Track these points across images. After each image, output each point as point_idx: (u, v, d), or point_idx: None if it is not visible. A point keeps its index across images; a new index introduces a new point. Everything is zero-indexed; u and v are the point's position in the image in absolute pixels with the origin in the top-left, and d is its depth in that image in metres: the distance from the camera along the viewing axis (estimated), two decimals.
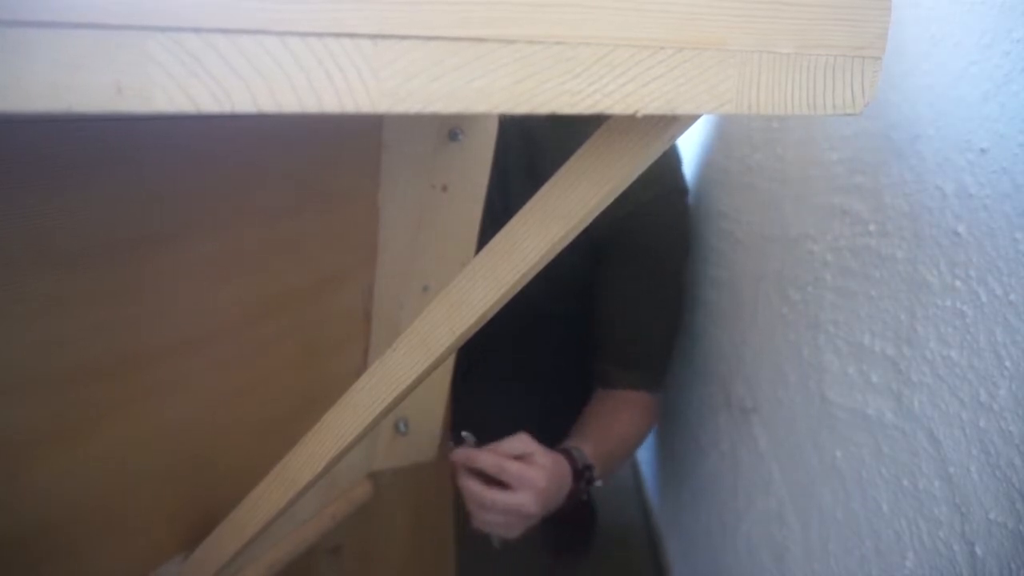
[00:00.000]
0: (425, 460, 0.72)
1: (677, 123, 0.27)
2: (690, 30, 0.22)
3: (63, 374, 0.38)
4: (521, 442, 0.68)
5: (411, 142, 0.55)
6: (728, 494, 0.88)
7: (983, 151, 0.43)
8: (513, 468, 0.65)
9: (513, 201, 0.32)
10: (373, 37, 0.19)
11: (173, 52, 0.17)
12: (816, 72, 0.25)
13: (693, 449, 1.04)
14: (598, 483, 0.75)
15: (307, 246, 0.51)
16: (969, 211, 0.44)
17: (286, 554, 0.59)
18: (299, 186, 0.48)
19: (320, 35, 0.19)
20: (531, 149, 0.88)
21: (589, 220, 0.30)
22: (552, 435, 0.83)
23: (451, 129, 0.55)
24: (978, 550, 0.42)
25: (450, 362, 0.70)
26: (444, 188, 0.58)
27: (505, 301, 0.32)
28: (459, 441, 0.71)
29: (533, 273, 0.31)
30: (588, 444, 0.77)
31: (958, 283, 0.45)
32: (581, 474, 0.73)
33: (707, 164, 1.07)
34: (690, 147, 1.16)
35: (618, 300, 0.90)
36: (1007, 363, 0.40)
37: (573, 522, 1.22)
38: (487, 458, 0.66)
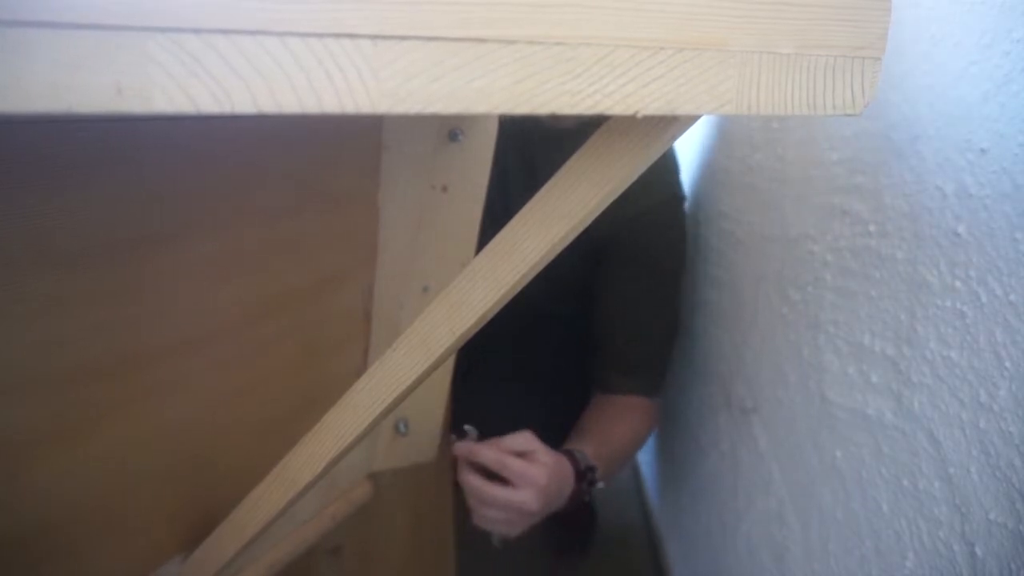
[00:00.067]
0: (425, 460, 0.72)
1: (677, 123, 0.27)
2: (690, 30, 0.22)
3: (63, 374, 0.38)
4: (524, 439, 0.67)
5: (411, 142, 0.55)
6: (728, 494, 0.88)
7: (983, 151, 0.43)
8: (515, 464, 0.65)
9: (513, 202, 0.32)
10: (373, 37, 0.19)
11: (173, 52, 0.17)
12: (816, 72, 0.25)
13: (693, 449, 1.04)
14: (600, 485, 0.75)
15: (307, 246, 0.51)
16: (969, 211, 0.44)
17: (286, 554, 0.59)
18: (299, 186, 0.48)
19: (320, 35, 0.19)
20: (530, 150, 0.88)
21: (589, 220, 0.30)
22: (553, 435, 0.83)
23: (451, 129, 0.55)
24: (978, 550, 0.42)
25: (450, 362, 0.70)
26: (444, 188, 0.58)
27: (505, 301, 0.32)
28: (461, 435, 0.71)
29: (533, 273, 0.31)
30: (590, 446, 0.77)
31: (958, 283, 0.45)
32: (583, 475, 0.72)
33: (707, 164, 1.07)
34: (690, 147, 1.16)
35: (617, 306, 0.91)
36: (1007, 363, 0.40)
37: (573, 523, 1.22)
38: (489, 453, 0.65)
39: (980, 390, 0.42)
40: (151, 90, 0.17)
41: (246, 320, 0.49)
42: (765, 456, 0.76)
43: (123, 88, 0.17)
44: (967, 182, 0.44)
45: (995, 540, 0.41)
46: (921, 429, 0.48)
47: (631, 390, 0.90)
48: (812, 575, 0.64)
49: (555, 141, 0.86)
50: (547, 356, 1.03)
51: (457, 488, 0.70)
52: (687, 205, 0.95)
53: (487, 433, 0.68)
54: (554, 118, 0.83)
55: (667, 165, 0.92)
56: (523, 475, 0.64)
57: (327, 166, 0.50)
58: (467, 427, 0.71)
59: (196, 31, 0.18)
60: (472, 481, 0.66)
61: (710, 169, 1.05)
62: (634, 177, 0.29)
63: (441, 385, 0.70)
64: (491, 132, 0.58)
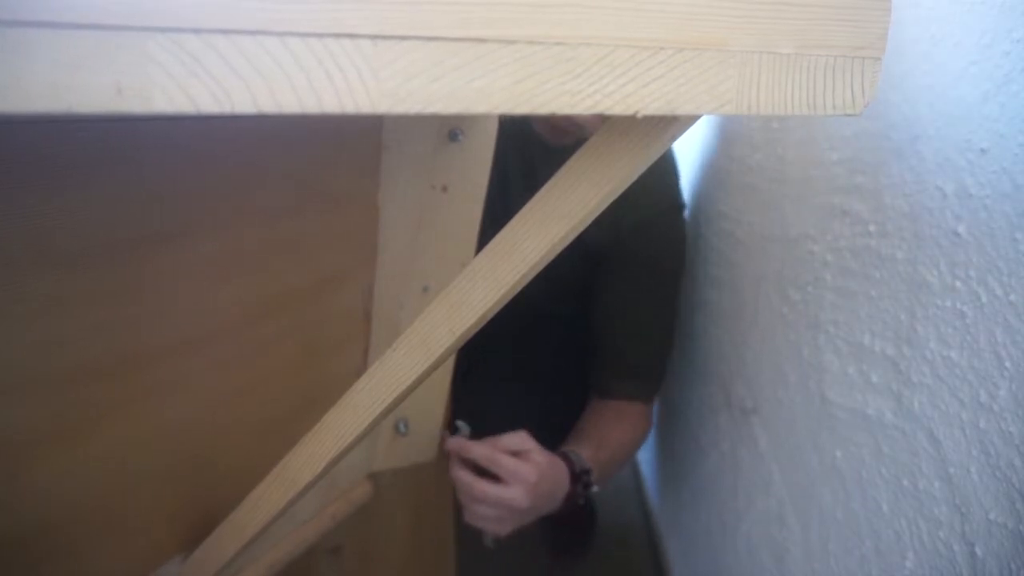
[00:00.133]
0: (425, 460, 0.72)
1: (677, 123, 0.27)
2: (690, 30, 0.22)
3: (63, 374, 0.38)
4: (518, 438, 0.67)
5: (411, 142, 0.55)
6: (728, 494, 0.88)
7: (983, 151, 0.43)
8: (505, 461, 0.64)
9: (513, 202, 0.32)
10: (373, 37, 0.19)
11: (173, 52, 0.17)
12: (816, 72, 0.25)
13: (693, 449, 1.04)
14: (595, 488, 0.75)
15: (307, 246, 0.51)
16: (969, 211, 0.44)
17: (286, 554, 0.59)
18: (299, 186, 0.48)
19: (320, 35, 0.19)
20: (530, 151, 0.88)
21: (589, 220, 0.30)
22: (552, 435, 0.83)
23: (451, 129, 0.55)
24: (978, 550, 0.42)
25: (450, 362, 0.70)
26: (444, 188, 0.58)
27: (505, 301, 0.32)
28: (455, 431, 0.71)
29: (533, 273, 0.31)
30: (586, 449, 0.77)
31: (958, 283, 0.45)
32: (579, 478, 0.72)
33: (708, 164, 1.07)
34: (690, 147, 1.16)
35: (616, 313, 0.91)
36: (1007, 363, 0.40)
37: (573, 523, 1.22)
38: (480, 449, 0.65)
39: (980, 390, 0.42)
40: (151, 90, 0.17)
41: (246, 320, 0.49)
42: (765, 456, 0.76)
43: (123, 88, 0.17)
44: (967, 182, 0.44)
45: (995, 540, 0.41)
46: (921, 429, 0.48)
47: (629, 395, 0.90)
48: (812, 575, 0.64)
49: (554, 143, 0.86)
50: (547, 356, 1.03)
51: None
52: (687, 207, 0.96)
53: (487, 432, 0.68)
54: (556, 136, 0.83)
55: (668, 173, 0.92)
56: (513, 472, 0.64)
57: (327, 166, 0.50)
58: (459, 423, 0.71)
59: (196, 31, 0.18)
60: (462, 477, 0.66)
61: (710, 169, 1.05)
62: (634, 177, 0.29)
63: (441, 385, 0.70)
64: (491, 132, 0.58)
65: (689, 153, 1.15)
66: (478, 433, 0.69)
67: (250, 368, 0.51)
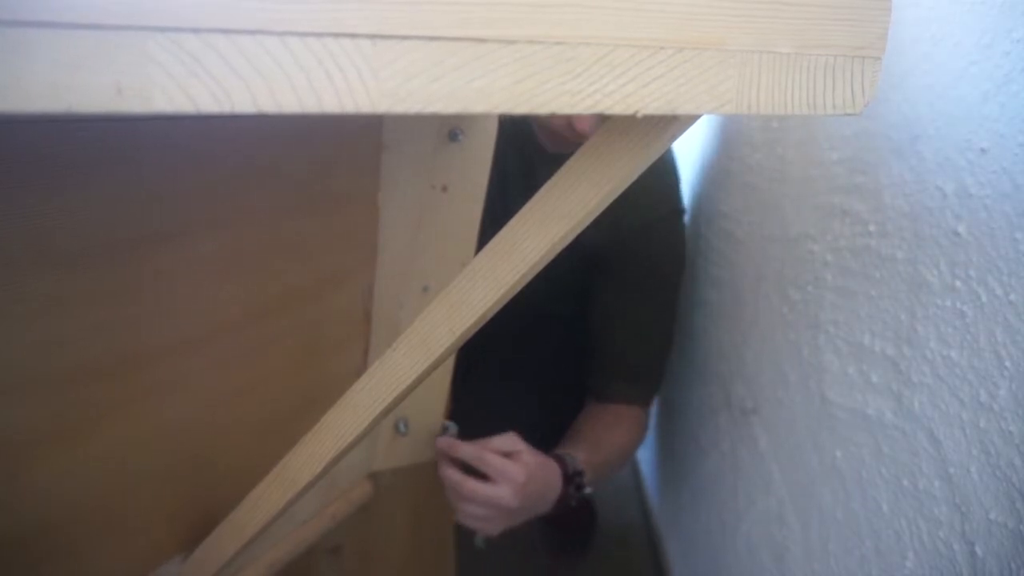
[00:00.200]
0: (425, 460, 0.72)
1: (677, 123, 0.27)
2: (690, 30, 0.22)
3: (63, 374, 0.38)
4: (508, 440, 0.68)
5: (411, 142, 0.55)
6: (728, 494, 0.88)
7: (983, 151, 0.43)
8: (493, 460, 0.65)
9: (513, 202, 0.32)
10: (373, 37, 0.19)
11: (173, 52, 0.17)
12: (816, 72, 0.25)
13: (693, 449, 1.04)
14: (588, 490, 0.75)
15: (307, 246, 0.51)
16: (969, 211, 0.44)
17: (286, 554, 0.59)
18: (299, 186, 0.48)
19: (320, 35, 0.19)
20: (530, 151, 0.88)
21: (589, 220, 0.30)
22: (552, 435, 0.83)
23: (451, 129, 0.55)
24: (978, 550, 0.42)
25: (450, 362, 0.70)
26: (444, 188, 0.58)
27: (505, 301, 0.32)
28: (443, 431, 0.71)
29: (533, 273, 0.31)
30: (581, 452, 0.77)
31: (958, 283, 0.45)
32: (571, 479, 0.73)
33: (707, 164, 1.07)
34: (691, 147, 1.16)
35: (615, 315, 0.91)
36: (1007, 363, 0.40)
37: (573, 522, 1.22)
38: (469, 449, 0.66)
39: (980, 390, 0.42)
40: (151, 90, 0.17)
41: (246, 320, 0.49)
42: (765, 456, 0.76)
43: (123, 88, 0.17)
44: (967, 182, 0.44)
45: (995, 540, 0.41)
46: (921, 429, 0.48)
47: (626, 398, 0.90)
48: (812, 575, 0.64)
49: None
50: (547, 356, 1.03)
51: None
52: (687, 207, 0.96)
53: (487, 432, 0.68)
54: (557, 144, 0.83)
55: (668, 176, 0.92)
56: (501, 471, 0.64)
57: (327, 166, 0.50)
58: (446, 423, 0.72)
59: (196, 31, 0.18)
60: (451, 475, 0.66)
61: (710, 169, 1.05)
62: (634, 177, 0.29)
63: (441, 385, 0.70)
64: (491, 132, 0.58)
65: (689, 153, 1.15)
66: (478, 433, 0.69)
67: (250, 368, 0.51)
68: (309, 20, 0.18)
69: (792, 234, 0.72)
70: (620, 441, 0.87)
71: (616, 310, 0.91)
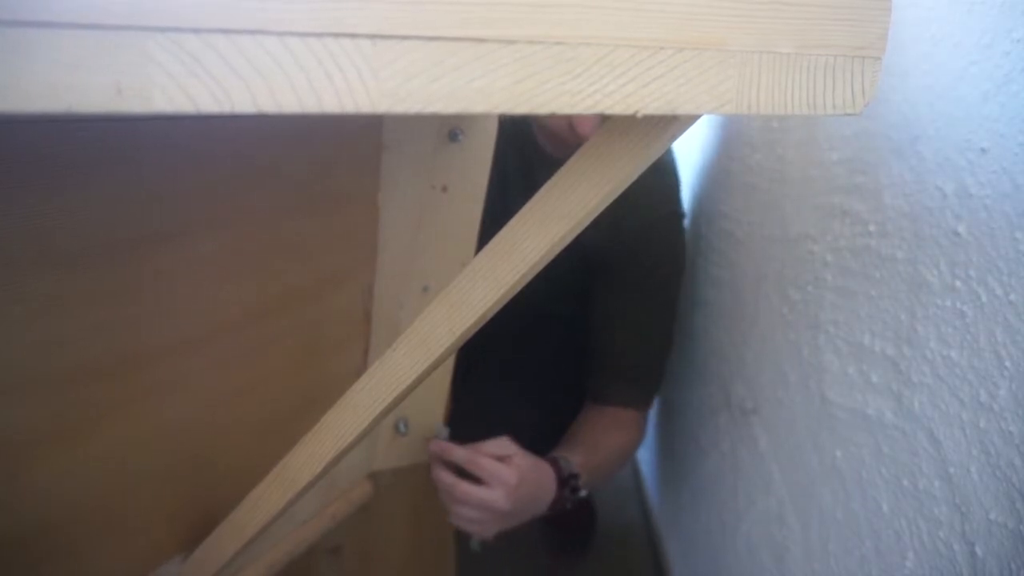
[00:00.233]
0: (425, 460, 0.72)
1: (677, 123, 0.27)
2: (690, 30, 0.22)
3: (63, 374, 0.38)
4: (501, 444, 0.68)
5: (411, 142, 0.55)
6: (728, 494, 0.88)
7: (983, 151, 0.43)
8: (485, 463, 0.65)
9: (513, 202, 0.32)
10: (373, 37, 0.19)
11: (173, 52, 0.17)
12: (816, 72, 0.25)
13: (693, 449, 1.04)
14: (582, 493, 0.75)
15: (307, 246, 0.51)
16: (969, 211, 0.44)
17: (286, 554, 0.59)
18: (299, 186, 0.48)
19: (320, 35, 0.19)
20: (530, 151, 0.88)
21: (589, 220, 0.30)
22: (552, 435, 0.83)
23: (451, 129, 0.55)
24: (978, 550, 0.42)
25: (450, 362, 0.70)
26: (444, 188, 0.58)
27: (505, 301, 0.32)
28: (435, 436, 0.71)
29: (533, 273, 0.31)
30: (577, 455, 0.77)
31: (958, 283, 0.45)
32: (566, 482, 0.73)
33: (708, 164, 1.07)
34: (691, 147, 1.16)
35: (615, 318, 0.91)
36: (1007, 363, 0.40)
37: (573, 523, 1.22)
38: (461, 452, 0.66)
39: (980, 390, 0.42)
40: (151, 90, 0.17)
41: (246, 320, 0.49)
42: (765, 456, 0.76)
43: (123, 88, 0.17)
44: (967, 182, 0.44)
45: (995, 540, 0.41)
46: (921, 429, 0.48)
47: (624, 401, 0.90)
48: (812, 575, 0.64)
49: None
50: (547, 356, 1.03)
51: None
52: (687, 208, 0.96)
53: (487, 432, 0.69)
54: (558, 148, 0.83)
55: (669, 178, 0.92)
56: (494, 474, 0.64)
57: (327, 166, 0.50)
58: (437, 425, 0.72)
59: (196, 31, 0.18)
60: (444, 478, 0.66)
61: (710, 169, 1.05)
62: (634, 177, 0.29)
63: (441, 385, 0.70)
64: (491, 132, 0.58)
65: (690, 154, 1.15)
66: (477, 433, 0.69)
67: (250, 368, 0.51)
68: (309, 20, 0.18)
69: (792, 234, 0.72)
70: (617, 444, 0.87)
71: (616, 310, 0.91)
